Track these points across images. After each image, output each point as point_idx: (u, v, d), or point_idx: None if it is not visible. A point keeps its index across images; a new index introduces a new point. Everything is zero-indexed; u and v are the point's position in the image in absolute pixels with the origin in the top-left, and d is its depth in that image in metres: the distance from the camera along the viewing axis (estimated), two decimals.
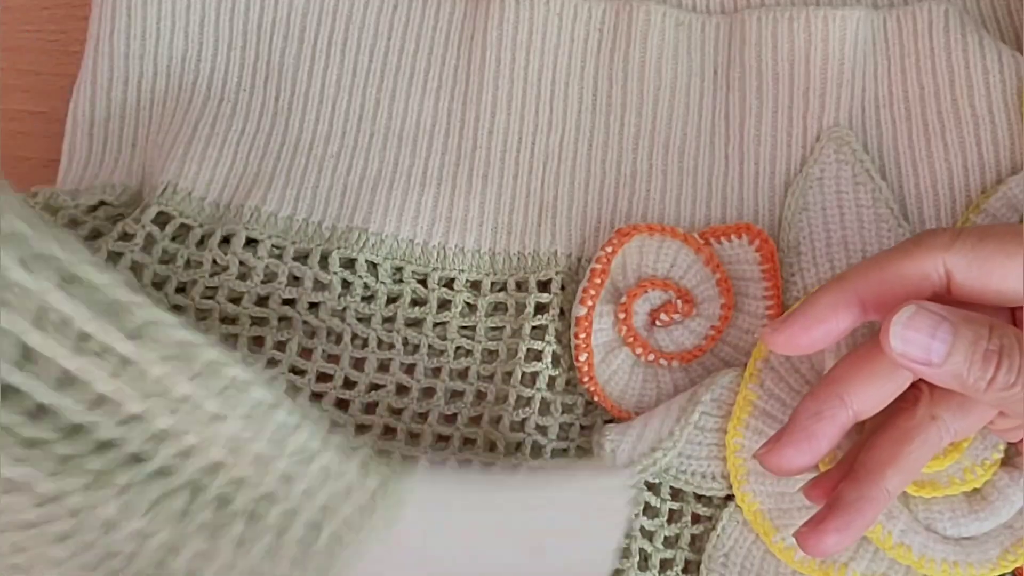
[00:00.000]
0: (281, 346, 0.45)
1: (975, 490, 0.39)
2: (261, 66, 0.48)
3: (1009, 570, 0.39)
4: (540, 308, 0.45)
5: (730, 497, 0.41)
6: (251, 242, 0.45)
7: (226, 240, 0.45)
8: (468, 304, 0.45)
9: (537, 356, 0.44)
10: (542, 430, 0.43)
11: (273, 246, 0.45)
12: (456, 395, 0.44)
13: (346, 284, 0.45)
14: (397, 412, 0.44)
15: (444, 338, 0.45)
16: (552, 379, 0.44)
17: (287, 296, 0.45)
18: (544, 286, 0.45)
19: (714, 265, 0.43)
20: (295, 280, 0.45)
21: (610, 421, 0.43)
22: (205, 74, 0.47)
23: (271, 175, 0.46)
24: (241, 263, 0.45)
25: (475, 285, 0.45)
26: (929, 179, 0.44)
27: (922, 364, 0.34)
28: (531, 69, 0.47)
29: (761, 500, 0.41)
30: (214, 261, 0.45)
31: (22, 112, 0.50)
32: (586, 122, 0.47)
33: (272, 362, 0.44)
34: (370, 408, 0.44)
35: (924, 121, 0.44)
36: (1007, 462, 0.39)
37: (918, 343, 0.34)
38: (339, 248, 0.45)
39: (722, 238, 0.44)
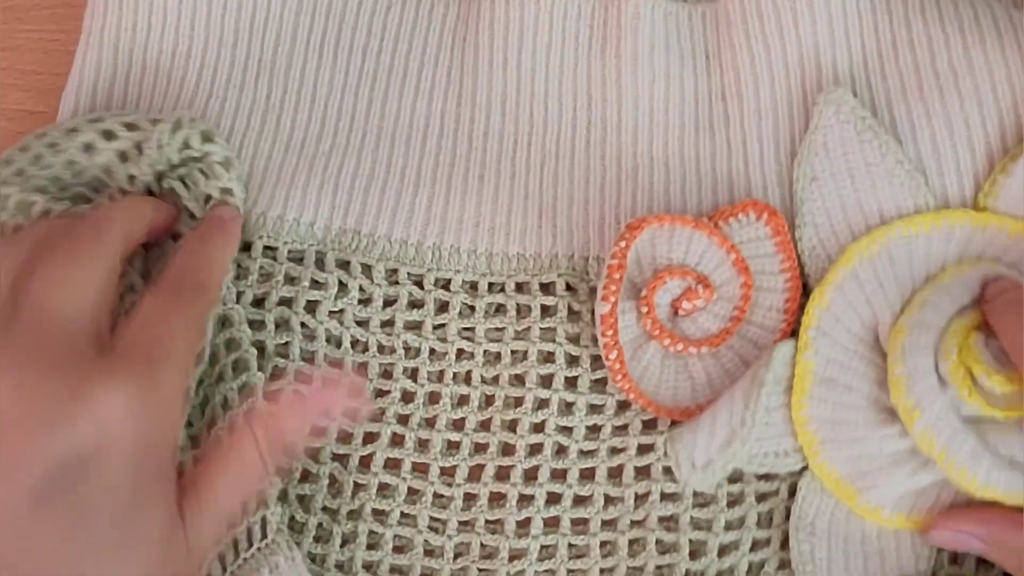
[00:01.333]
0: (283, 350, 0.44)
1: None
2: (252, 64, 0.47)
3: None
4: (546, 310, 0.44)
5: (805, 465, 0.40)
6: (245, 245, 0.44)
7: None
8: (467, 305, 0.44)
9: (549, 358, 0.43)
10: (565, 431, 0.42)
11: (266, 247, 0.44)
12: (463, 400, 0.43)
13: (342, 286, 0.44)
14: (404, 420, 0.43)
15: (444, 340, 0.44)
16: (570, 380, 0.43)
17: (285, 295, 0.44)
18: (548, 288, 0.44)
19: (728, 247, 0.42)
20: (291, 280, 0.44)
21: (650, 420, 0.42)
22: (195, 70, 0.47)
23: (262, 175, 0.45)
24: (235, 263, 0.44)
25: (472, 286, 0.44)
26: (946, 131, 0.42)
27: None
28: (524, 69, 0.46)
29: (839, 467, 0.39)
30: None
31: (22, 112, 0.49)
32: (582, 119, 0.46)
33: (277, 368, 0.43)
34: (376, 417, 0.43)
35: (935, 71, 0.43)
36: None
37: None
38: (333, 250, 0.44)
39: (730, 219, 0.43)
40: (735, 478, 0.41)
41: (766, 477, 0.41)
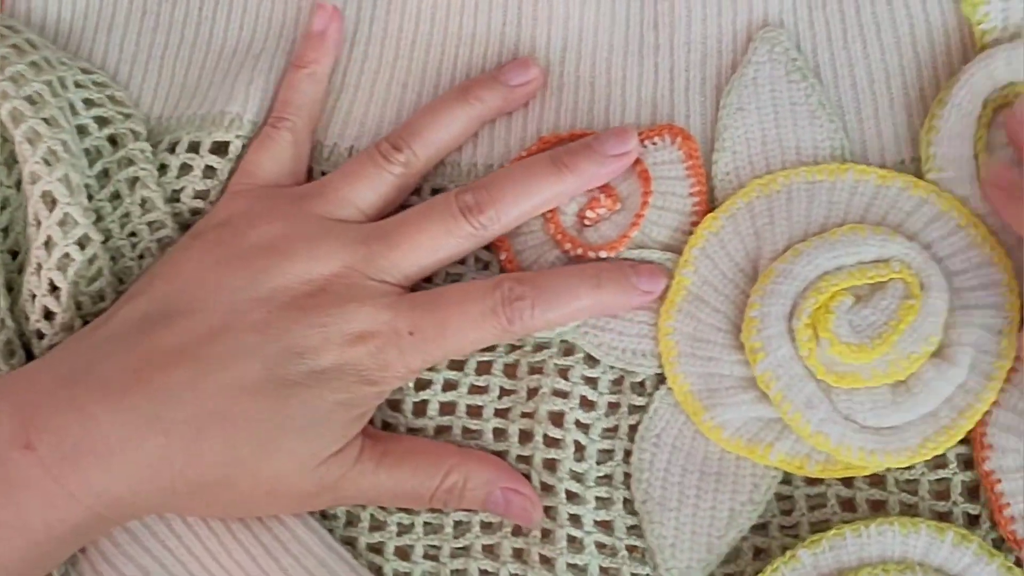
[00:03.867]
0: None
1: (900, 381, 0.39)
2: None
3: (928, 458, 0.38)
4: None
5: (662, 381, 0.41)
6: (196, 144, 0.45)
7: (172, 148, 0.45)
8: None
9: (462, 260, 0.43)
10: (456, 277, 0.44)
11: (215, 142, 0.45)
12: None
13: None
14: None
15: None
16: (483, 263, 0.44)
17: (200, 187, 0.44)
18: None
19: (635, 160, 0.43)
20: (212, 171, 0.44)
21: None
22: None
23: (195, 81, 0.46)
24: (184, 164, 0.44)
25: None
26: (867, 79, 0.43)
27: None
28: None
29: (691, 381, 0.40)
30: (162, 165, 0.45)
31: None
32: (511, 35, 0.46)
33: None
34: None
35: (859, 22, 0.44)
36: (938, 354, 0.39)
37: None
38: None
39: (645, 141, 0.43)
40: (614, 389, 0.41)
41: (639, 392, 0.41)
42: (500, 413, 0.41)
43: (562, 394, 0.40)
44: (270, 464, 0.38)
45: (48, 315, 0.41)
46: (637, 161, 0.42)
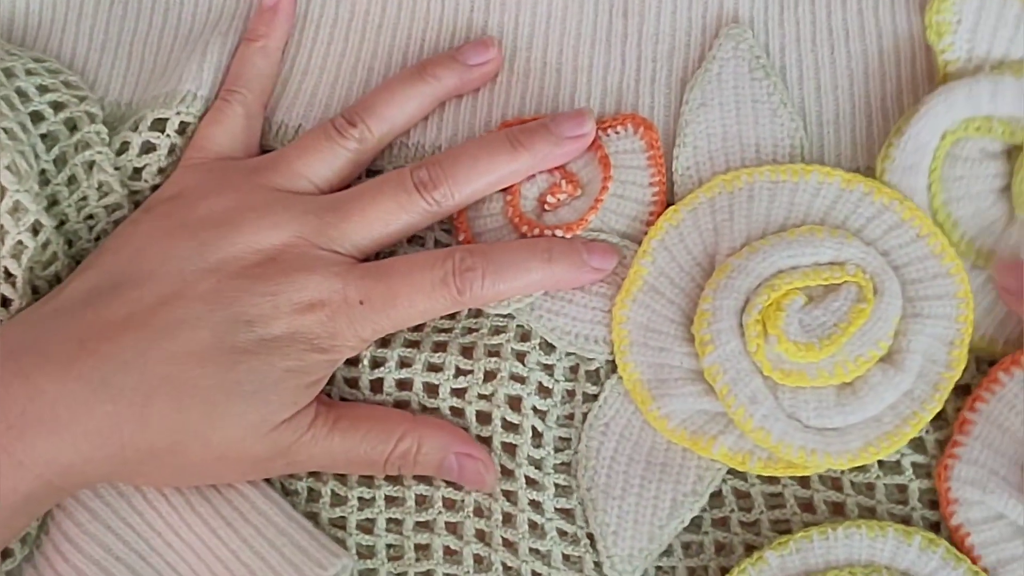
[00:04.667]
0: None
1: (846, 383, 0.39)
2: None
3: (871, 462, 0.38)
4: None
5: (615, 369, 0.41)
6: (159, 122, 0.44)
7: (135, 127, 0.45)
8: None
9: (416, 240, 0.44)
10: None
11: (181, 122, 0.44)
12: None
13: None
14: None
15: None
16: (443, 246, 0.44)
17: (163, 165, 0.44)
18: None
19: (595, 146, 0.43)
20: (172, 150, 0.45)
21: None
22: None
23: (164, 67, 0.46)
24: (147, 142, 0.44)
25: None
26: (831, 84, 0.43)
27: None
28: None
29: (641, 370, 0.40)
30: (124, 143, 0.44)
31: None
32: (478, 19, 0.46)
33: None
34: None
35: (829, 26, 0.44)
36: (887, 359, 0.39)
37: None
38: None
39: (608, 129, 0.43)
40: (570, 376, 0.41)
41: (594, 380, 0.41)
42: (456, 393, 0.41)
43: (519, 379, 0.40)
44: (220, 430, 0.38)
45: (4, 302, 0.41)
46: (598, 147, 0.42)
